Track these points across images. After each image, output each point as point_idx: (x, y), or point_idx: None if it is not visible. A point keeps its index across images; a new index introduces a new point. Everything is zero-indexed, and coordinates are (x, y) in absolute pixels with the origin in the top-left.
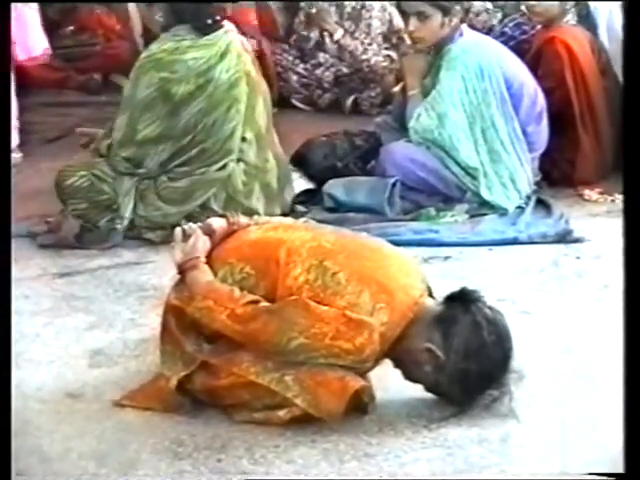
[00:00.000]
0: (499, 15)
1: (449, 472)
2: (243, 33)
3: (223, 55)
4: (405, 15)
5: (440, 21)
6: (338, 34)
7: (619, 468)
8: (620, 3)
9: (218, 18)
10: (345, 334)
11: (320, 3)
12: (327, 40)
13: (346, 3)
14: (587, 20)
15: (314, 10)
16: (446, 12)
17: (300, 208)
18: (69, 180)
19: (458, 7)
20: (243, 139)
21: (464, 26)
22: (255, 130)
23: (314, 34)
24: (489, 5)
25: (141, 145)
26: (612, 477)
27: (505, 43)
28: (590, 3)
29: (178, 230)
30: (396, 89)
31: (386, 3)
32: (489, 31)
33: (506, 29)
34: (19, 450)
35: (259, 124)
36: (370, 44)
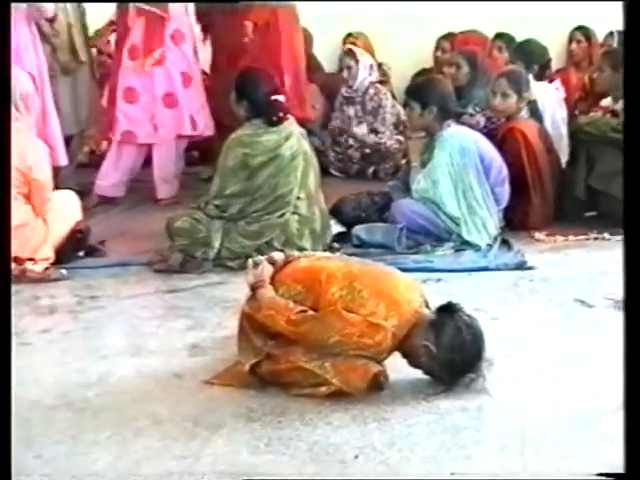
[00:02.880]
0: (478, 116)
1: (439, 431)
2: (301, 124)
3: (287, 138)
4: (409, 109)
5: (434, 114)
6: (361, 127)
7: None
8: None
9: (282, 115)
10: (367, 334)
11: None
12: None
13: (367, 103)
14: (536, 114)
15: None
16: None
17: (336, 245)
18: (176, 224)
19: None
20: (298, 197)
21: (452, 121)
22: (307, 191)
23: (346, 130)
24: (471, 110)
25: (228, 198)
26: (612, 477)
27: (480, 131)
28: (539, 102)
29: (251, 260)
30: (403, 162)
31: (396, 104)
32: (471, 125)
33: (481, 122)
34: (138, 414)
35: (310, 187)
36: (384, 132)
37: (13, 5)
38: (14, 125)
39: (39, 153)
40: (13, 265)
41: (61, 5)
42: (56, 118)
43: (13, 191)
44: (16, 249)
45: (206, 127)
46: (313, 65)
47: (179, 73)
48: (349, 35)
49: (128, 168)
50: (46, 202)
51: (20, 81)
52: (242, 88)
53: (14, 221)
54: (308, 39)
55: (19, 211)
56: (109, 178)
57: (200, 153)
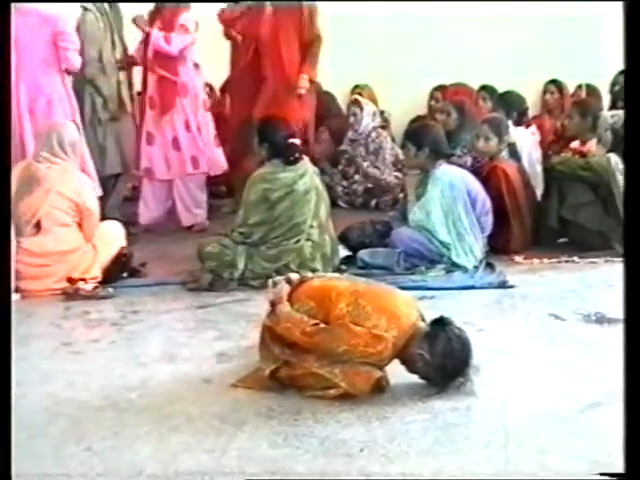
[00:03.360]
0: (466, 157)
1: (433, 428)
2: (314, 162)
3: (301, 176)
4: (406, 149)
5: (428, 155)
6: (365, 165)
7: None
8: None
9: (298, 155)
10: (371, 344)
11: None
12: (360, 168)
13: (370, 144)
14: (515, 155)
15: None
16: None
17: (343, 267)
18: (206, 249)
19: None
20: (311, 226)
21: (443, 161)
22: (318, 220)
23: (352, 167)
24: (459, 152)
25: (251, 227)
26: (612, 477)
27: (467, 169)
28: (517, 144)
29: (271, 280)
30: (401, 196)
31: (395, 146)
32: (460, 164)
33: (468, 161)
34: (173, 413)
35: (321, 217)
36: (384, 169)
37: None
38: (64, 165)
39: (88, 188)
40: (67, 284)
41: (110, 65)
42: (90, 158)
43: (68, 219)
44: (69, 270)
45: (211, 166)
46: (332, 110)
47: (182, 121)
48: (356, 87)
49: (160, 200)
50: (95, 230)
51: (69, 130)
52: (263, 133)
53: (67, 246)
54: (328, 96)
55: (72, 237)
56: (146, 209)
57: (227, 188)
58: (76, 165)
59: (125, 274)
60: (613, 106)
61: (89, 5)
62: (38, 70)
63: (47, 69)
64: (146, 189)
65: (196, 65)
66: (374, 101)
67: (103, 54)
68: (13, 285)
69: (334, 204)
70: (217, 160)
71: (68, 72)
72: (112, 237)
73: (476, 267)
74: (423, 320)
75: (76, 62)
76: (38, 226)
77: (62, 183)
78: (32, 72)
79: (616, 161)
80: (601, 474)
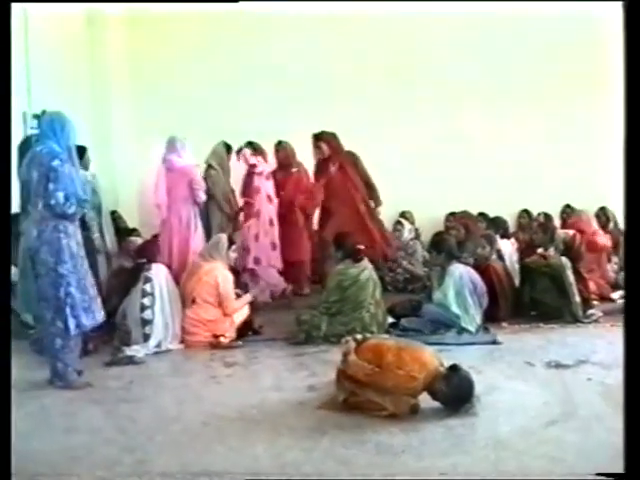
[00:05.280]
0: (469, 259)
1: (449, 437)
2: (371, 261)
3: (363, 270)
4: (430, 253)
5: (445, 257)
6: (404, 263)
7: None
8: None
9: (361, 257)
10: (408, 382)
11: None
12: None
13: (408, 249)
14: (501, 257)
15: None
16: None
17: (390, 330)
18: (302, 316)
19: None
20: (370, 303)
21: (455, 261)
22: (374, 299)
23: (396, 264)
24: (466, 255)
25: (330, 303)
26: (612, 477)
27: (471, 266)
28: (502, 251)
29: (343, 339)
30: (428, 284)
31: (424, 250)
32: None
33: (471, 262)
34: (279, 425)
35: (376, 297)
36: (417, 266)
37: None
38: (214, 263)
39: (227, 280)
40: (213, 339)
41: (225, 196)
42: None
43: (211, 299)
44: (214, 330)
45: (267, 261)
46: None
47: (253, 235)
48: (403, 212)
49: (269, 283)
50: (230, 309)
51: (223, 240)
52: (339, 243)
53: (212, 317)
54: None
55: (214, 311)
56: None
57: (319, 277)
58: (224, 264)
59: (249, 333)
60: (563, 226)
61: (214, 163)
62: (181, 204)
63: (186, 203)
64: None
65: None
66: (412, 222)
67: (222, 190)
68: (179, 338)
69: (384, 289)
70: (270, 259)
71: (198, 204)
72: (242, 309)
73: (477, 330)
74: (442, 365)
75: (203, 198)
76: (194, 301)
77: (209, 275)
78: (177, 205)
79: (566, 261)
80: (601, 474)
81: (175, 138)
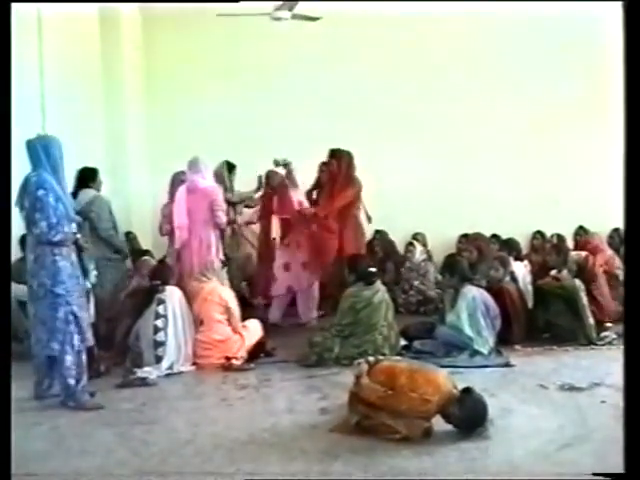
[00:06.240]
0: (482, 281)
1: (463, 460)
2: (384, 283)
3: (376, 292)
4: (443, 275)
5: (457, 279)
6: (416, 284)
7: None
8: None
9: (374, 279)
10: (421, 405)
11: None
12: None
13: (421, 270)
14: (514, 279)
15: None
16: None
17: (403, 352)
18: (314, 339)
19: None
20: (382, 325)
21: (467, 283)
22: (387, 321)
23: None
24: (478, 277)
25: (343, 325)
26: (612, 477)
27: (484, 288)
28: (516, 272)
29: (356, 361)
30: (440, 305)
31: (436, 272)
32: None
33: (483, 283)
34: (292, 447)
35: (389, 319)
36: (429, 287)
37: None
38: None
39: (232, 296)
40: (225, 361)
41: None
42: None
43: (222, 317)
44: (226, 352)
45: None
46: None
47: (282, 264)
48: (415, 234)
49: (281, 307)
50: (238, 324)
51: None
52: (352, 266)
53: (222, 337)
54: (390, 242)
55: (224, 330)
56: (273, 313)
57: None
58: (220, 283)
59: (262, 355)
60: (575, 248)
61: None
62: (200, 226)
63: (206, 225)
64: (276, 299)
65: None
66: (424, 243)
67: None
68: (191, 360)
69: (397, 311)
70: (294, 285)
71: (218, 226)
72: (254, 331)
73: (490, 352)
74: (456, 388)
75: (223, 219)
76: (202, 322)
77: (213, 294)
78: (197, 227)
79: (579, 284)
80: (601, 474)
81: (198, 159)
